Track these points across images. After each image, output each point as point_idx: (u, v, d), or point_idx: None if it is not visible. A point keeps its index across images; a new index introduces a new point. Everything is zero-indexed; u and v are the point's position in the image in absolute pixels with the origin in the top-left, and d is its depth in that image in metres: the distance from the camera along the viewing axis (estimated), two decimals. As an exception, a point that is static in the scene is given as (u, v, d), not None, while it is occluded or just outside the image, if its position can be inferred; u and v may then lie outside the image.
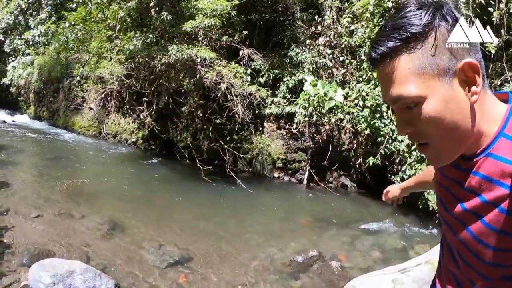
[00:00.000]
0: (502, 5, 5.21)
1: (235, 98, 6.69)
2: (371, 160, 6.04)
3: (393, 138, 6.36)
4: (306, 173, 7.74)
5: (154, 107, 7.65)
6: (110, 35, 7.11)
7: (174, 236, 4.74)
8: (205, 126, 8.96)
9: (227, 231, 5.20)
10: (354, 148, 7.59)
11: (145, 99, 7.99)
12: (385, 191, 1.52)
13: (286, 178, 8.17)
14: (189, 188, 7.00)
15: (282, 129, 8.26)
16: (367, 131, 6.59)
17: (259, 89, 6.72)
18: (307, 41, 7.55)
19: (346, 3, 7.19)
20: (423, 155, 0.75)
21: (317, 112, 6.77)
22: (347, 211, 6.58)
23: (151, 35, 6.20)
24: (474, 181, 0.74)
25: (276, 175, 8.20)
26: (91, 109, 10.30)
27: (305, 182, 7.69)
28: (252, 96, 6.72)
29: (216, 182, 7.35)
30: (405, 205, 6.48)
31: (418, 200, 6.15)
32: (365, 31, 6.81)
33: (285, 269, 4.23)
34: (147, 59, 6.67)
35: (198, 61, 6.58)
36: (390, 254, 4.98)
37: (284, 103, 7.27)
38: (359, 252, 4.98)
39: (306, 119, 6.90)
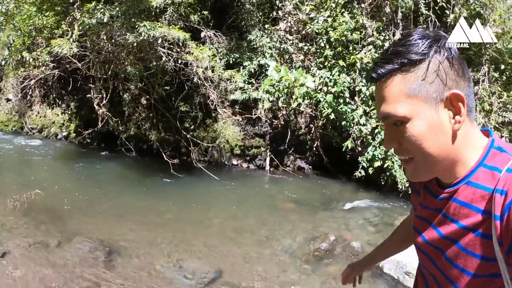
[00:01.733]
0: (456, 9, 5.50)
1: (206, 84, 5.83)
2: (349, 143, 6.03)
3: (358, 122, 6.38)
4: (268, 158, 7.41)
5: (105, 96, 6.22)
6: (38, 9, 5.36)
7: (183, 248, 3.97)
8: (151, 115, 7.80)
9: (229, 231, 4.62)
10: (312, 131, 7.48)
11: (92, 85, 6.43)
12: (344, 274, 1.29)
13: (245, 165, 7.73)
14: (158, 186, 6.06)
15: (238, 115, 7.65)
16: (332, 116, 6.49)
17: (233, 75, 5.98)
18: (266, 26, 6.98)
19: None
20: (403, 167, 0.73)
21: (285, 98, 6.38)
22: (319, 193, 6.54)
23: (117, 8, 4.83)
24: (452, 208, 0.74)
25: (235, 162, 7.67)
26: (8, 100, 7.97)
27: (268, 168, 7.36)
28: (228, 82, 5.95)
29: (181, 176, 6.45)
30: (365, 182, 6.69)
31: (380, 177, 6.38)
32: (326, 20, 6.58)
33: (311, 258, 3.97)
34: (104, 38, 5.26)
35: (160, 42, 5.48)
36: (383, 227, 5.09)
37: (249, 88, 6.66)
38: (359, 230, 4.99)
39: (269, 105, 6.46)
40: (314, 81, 6.35)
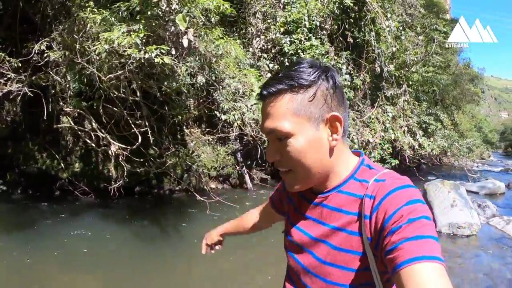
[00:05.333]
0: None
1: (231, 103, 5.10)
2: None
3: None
4: (247, 176, 7.09)
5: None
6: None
7: None
8: (101, 143, 5.99)
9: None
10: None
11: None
12: (204, 241, 1.31)
13: (220, 186, 7.09)
14: (171, 234, 4.86)
15: (208, 135, 6.96)
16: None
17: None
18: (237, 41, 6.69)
19: (276, 10, 6.94)
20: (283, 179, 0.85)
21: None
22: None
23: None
24: (324, 212, 0.81)
25: (212, 186, 6.92)
26: None
27: (250, 186, 7.06)
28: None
29: (181, 211, 5.41)
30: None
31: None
32: (294, 41, 6.99)
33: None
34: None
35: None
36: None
37: (239, 107, 6.22)
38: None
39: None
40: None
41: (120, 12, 4.30)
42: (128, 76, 4.76)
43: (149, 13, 4.03)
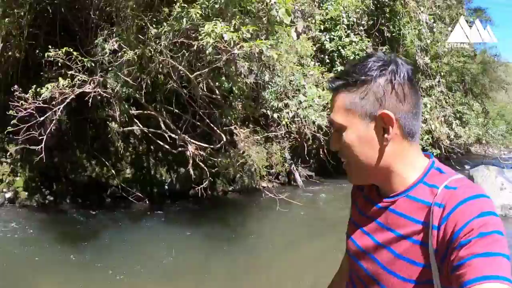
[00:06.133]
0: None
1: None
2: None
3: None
4: (296, 173, 7.02)
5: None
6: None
7: None
8: (152, 147, 5.86)
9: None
10: (320, 140, 7.62)
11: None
12: None
13: (270, 185, 6.99)
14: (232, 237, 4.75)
15: (255, 134, 6.88)
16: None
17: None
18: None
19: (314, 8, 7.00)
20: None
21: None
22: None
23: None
24: (390, 217, 0.78)
25: (264, 184, 6.81)
26: None
27: (300, 183, 6.97)
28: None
29: (243, 211, 5.31)
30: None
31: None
32: (333, 38, 7.03)
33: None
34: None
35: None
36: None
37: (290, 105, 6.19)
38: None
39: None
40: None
41: (203, 8, 4.27)
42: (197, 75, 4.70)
43: (245, 7, 4.00)
